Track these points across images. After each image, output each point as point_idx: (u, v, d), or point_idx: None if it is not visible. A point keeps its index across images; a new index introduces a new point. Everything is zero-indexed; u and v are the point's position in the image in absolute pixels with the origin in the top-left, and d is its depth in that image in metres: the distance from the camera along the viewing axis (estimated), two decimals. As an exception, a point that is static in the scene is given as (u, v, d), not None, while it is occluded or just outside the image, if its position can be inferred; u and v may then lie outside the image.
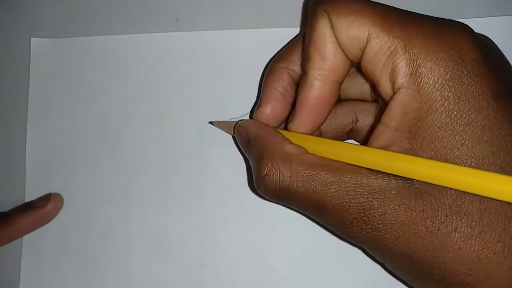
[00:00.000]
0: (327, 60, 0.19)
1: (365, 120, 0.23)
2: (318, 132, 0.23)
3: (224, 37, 0.27)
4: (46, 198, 0.26)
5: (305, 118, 0.20)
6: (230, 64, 0.26)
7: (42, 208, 0.25)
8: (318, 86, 0.20)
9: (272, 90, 0.22)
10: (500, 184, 0.15)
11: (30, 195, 0.26)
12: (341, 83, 0.20)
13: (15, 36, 0.28)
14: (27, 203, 0.26)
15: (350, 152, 0.19)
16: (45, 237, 0.26)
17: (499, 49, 0.20)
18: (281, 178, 0.19)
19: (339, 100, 0.24)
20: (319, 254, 0.25)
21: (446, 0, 0.26)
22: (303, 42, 0.21)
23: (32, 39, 0.28)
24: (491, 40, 0.20)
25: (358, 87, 0.23)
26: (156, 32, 0.27)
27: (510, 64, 0.20)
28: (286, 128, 0.22)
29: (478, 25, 0.20)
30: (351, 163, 0.19)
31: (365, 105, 0.23)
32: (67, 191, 0.26)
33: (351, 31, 0.18)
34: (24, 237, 0.26)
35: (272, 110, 0.22)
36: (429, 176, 0.16)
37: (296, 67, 0.22)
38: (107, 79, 0.27)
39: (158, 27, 0.27)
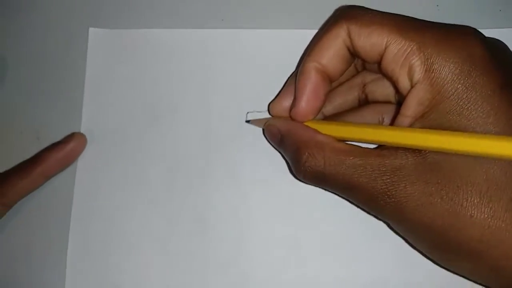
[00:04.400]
0: (325, 58, 0.22)
1: (390, 120, 0.26)
2: None
3: (265, 36, 0.29)
4: (70, 136, 0.28)
5: (303, 104, 0.23)
6: (270, 61, 0.29)
7: (67, 144, 0.28)
8: (312, 75, 0.23)
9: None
10: (501, 142, 0.18)
11: (81, 182, 0.28)
12: (333, 80, 0.23)
13: (73, 26, 0.30)
14: (53, 143, 0.28)
15: (370, 133, 0.22)
16: (91, 226, 0.28)
17: (509, 49, 0.22)
18: (316, 164, 0.22)
19: (367, 102, 0.26)
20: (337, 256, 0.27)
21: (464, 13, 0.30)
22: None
23: (90, 29, 0.30)
24: (503, 43, 0.22)
25: (384, 90, 0.26)
26: (203, 28, 0.30)
27: None
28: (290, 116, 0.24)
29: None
30: (372, 142, 0.22)
31: (390, 106, 0.26)
32: (116, 174, 0.28)
33: (371, 39, 0.21)
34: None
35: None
36: (435, 142, 0.19)
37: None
38: (158, 70, 0.29)
39: (205, 23, 0.30)
